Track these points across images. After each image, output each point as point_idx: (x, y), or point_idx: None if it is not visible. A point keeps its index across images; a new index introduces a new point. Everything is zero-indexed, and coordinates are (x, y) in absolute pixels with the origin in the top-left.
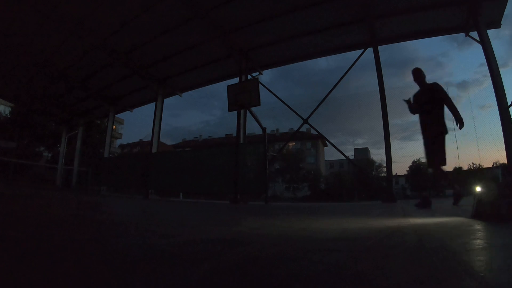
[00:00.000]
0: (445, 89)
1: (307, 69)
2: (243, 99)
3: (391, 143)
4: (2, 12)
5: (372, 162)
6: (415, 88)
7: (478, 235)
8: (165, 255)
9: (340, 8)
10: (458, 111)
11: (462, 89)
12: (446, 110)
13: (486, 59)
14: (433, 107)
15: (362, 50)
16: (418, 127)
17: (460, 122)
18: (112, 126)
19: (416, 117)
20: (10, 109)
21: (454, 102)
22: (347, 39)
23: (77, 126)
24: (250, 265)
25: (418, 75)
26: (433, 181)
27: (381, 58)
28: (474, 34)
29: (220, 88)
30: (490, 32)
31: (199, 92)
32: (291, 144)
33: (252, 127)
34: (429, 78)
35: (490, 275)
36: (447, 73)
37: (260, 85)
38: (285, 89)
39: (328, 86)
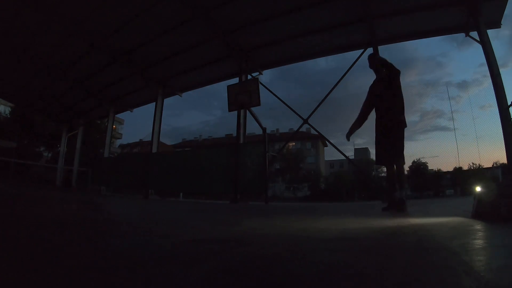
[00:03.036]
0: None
1: (307, 69)
2: (243, 99)
3: None
4: (3, 12)
5: (372, 162)
6: (415, 88)
7: (478, 235)
8: (165, 255)
9: (340, 8)
10: (401, 112)
11: (462, 89)
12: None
13: (486, 59)
14: (391, 96)
15: (362, 50)
16: (418, 127)
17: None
18: (112, 126)
19: (416, 118)
20: (10, 109)
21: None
22: (347, 39)
23: (77, 126)
24: (250, 265)
25: (372, 61)
26: (392, 180)
27: None
28: (474, 34)
29: (220, 88)
30: (490, 32)
31: (199, 92)
32: (291, 144)
33: (252, 127)
34: (429, 78)
35: (490, 275)
36: (447, 73)
37: (260, 85)
38: (285, 89)
39: (327, 86)
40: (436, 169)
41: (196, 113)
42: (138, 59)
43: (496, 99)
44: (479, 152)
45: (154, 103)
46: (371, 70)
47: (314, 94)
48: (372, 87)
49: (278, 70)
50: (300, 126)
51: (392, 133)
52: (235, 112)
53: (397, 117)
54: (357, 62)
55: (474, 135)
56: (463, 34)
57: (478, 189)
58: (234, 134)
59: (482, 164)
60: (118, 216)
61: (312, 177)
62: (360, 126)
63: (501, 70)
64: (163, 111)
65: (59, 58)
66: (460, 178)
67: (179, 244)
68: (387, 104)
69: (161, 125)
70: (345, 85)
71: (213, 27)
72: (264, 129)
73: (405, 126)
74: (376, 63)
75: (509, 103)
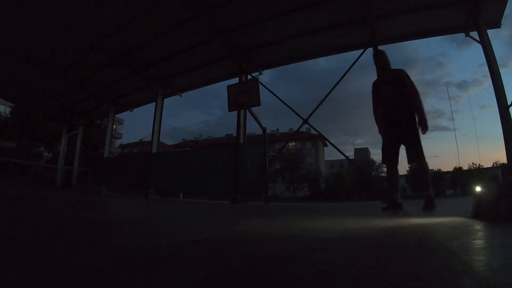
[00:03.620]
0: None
1: (307, 69)
2: (243, 99)
3: None
4: (3, 12)
5: (372, 162)
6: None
7: (478, 235)
8: (165, 255)
9: (340, 8)
10: (423, 111)
11: (462, 89)
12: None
13: (486, 59)
14: (398, 96)
15: (362, 50)
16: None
17: (423, 125)
18: (112, 126)
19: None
20: (10, 109)
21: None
22: (347, 39)
23: (77, 126)
24: (250, 265)
25: (378, 59)
26: (393, 180)
27: None
28: (474, 34)
29: (220, 88)
30: (490, 32)
31: (199, 92)
32: (291, 144)
33: (252, 127)
34: (429, 78)
35: (490, 275)
36: (447, 73)
37: (260, 85)
38: (284, 89)
39: (327, 86)
40: (436, 169)
41: (196, 113)
42: (138, 59)
43: (496, 99)
44: (479, 152)
45: (154, 103)
46: (371, 70)
47: (314, 94)
48: (376, 89)
49: (278, 70)
50: (300, 126)
51: (394, 132)
52: (235, 112)
53: (408, 117)
54: (357, 62)
55: (474, 135)
56: (463, 34)
57: (478, 189)
58: (234, 134)
59: (482, 164)
60: (118, 216)
61: (312, 177)
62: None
63: (501, 70)
64: (163, 111)
65: (59, 58)
66: (460, 178)
67: (179, 244)
68: (394, 104)
69: (161, 125)
70: (345, 85)
71: (213, 27)
72: (264, 129)
73: (415, 123)
74: (383, 61)
75: (509, 103)
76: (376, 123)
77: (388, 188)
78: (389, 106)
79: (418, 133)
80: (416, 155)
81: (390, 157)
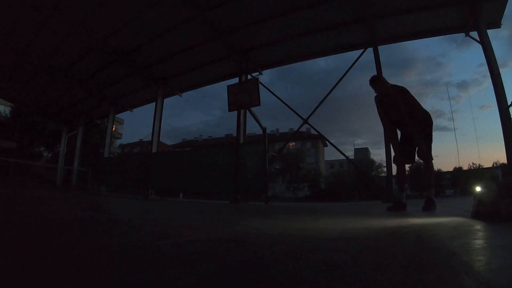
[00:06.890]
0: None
1: (306, 70)
2: (243, 99)
3: None
4: (3, 12)
5: (372, 162)
6: (415, 88)
7: (478, 235)
8: (165, 255)
9: (340, 8)
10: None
11: (462, 89)
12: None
13: (486, 59)
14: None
15: (362, 50)
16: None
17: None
18: (112, 126)
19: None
20: (10, 109)
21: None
22: (347, 39)
23: (77, 126)
24: (250, 265)
25: (374, 84)
26: (402, 180)
27: (381, 58)
28: (474, 34)
29: (220, 88)
30: (490, 32)
31: (199, 92)
32: (291, 144)
33: (252, 127)
34: (429, 78)
35: (490, 275)
36: (446, 73)
37: (260, 85)
38: (284, 90)
39: (327, 86)
40: (436, 169)
41: (196, 113)
42: (138, 59)
43: (496, 99)
44: (479, 152)
45: (154, 103)
46: (371, 70)
47: (314, 94)
48: (384, 111)
49: (278, 70)
50: (300, 126)
51: (406, 131)
52: (235, 112)
53: (418, 119)
54: (357, 62)
55: (474, 135)
56: (463, 34)
57: (478, 189)
58: (234, 134)
59: (482, 164)
60: (118, 216)
61: (312, 177)
62: (398, 143)
63: (501, 70)
64: (163, 111)
65: (59, 58)
66: (460, 178)
67: (179, 244)
68: (401, 115)
69: (161, 125)
70: (345, 85)
71: (213, 27)
72: (264, 129)
73: (428, 125)
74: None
75: (509, 103)
76: (392, 148)
77: (398, 188)
78: (401, 123)
79: (429, 134)
80: (424, 155)
81: (399, 156)
